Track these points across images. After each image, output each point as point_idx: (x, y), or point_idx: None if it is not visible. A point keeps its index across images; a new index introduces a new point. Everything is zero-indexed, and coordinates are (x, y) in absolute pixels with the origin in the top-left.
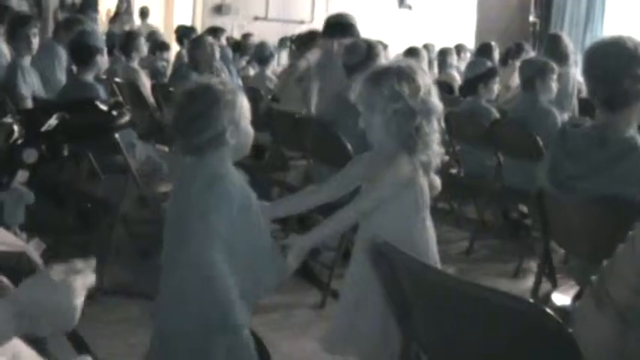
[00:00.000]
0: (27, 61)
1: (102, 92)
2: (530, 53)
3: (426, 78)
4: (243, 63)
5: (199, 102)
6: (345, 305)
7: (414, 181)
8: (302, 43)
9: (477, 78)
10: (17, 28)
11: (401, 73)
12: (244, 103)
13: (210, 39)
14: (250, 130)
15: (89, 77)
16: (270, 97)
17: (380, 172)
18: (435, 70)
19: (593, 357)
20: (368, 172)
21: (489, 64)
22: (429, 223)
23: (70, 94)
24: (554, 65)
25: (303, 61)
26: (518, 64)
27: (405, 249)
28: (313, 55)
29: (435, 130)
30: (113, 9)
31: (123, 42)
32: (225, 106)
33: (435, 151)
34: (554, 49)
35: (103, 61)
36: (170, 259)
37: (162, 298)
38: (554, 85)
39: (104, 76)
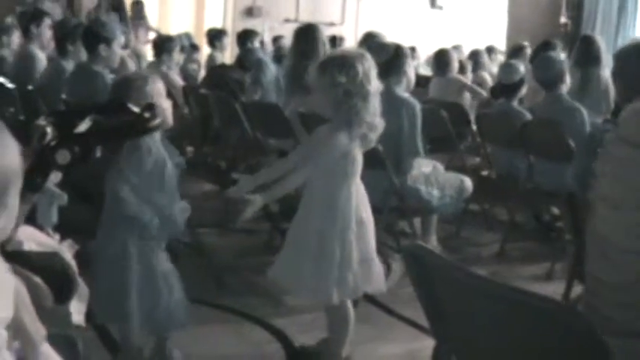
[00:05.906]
0: (70, 64)
1: (106, 82)
2: (560, 52)
3: (367, 64)
4: None
5: (119, 87)
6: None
7: (348, 153)
8: None
9: (520, 82)
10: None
11: (342, 62)
12: (155, 87)
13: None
14: (165, 106)
15: (97, 67)
16: None
17: (322, 143)
18: (469, 72)
19: None
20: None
21: (523, 67)
22: (355, 187)
23: (74, 81)
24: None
25: None
26: None
27: (331, 212)
28: None
29: (371, 108)
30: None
31: (155, 45)
32: (137, 89)
33: (371, 124)
34: (586, 51)
35: (115, 52)
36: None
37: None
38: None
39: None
